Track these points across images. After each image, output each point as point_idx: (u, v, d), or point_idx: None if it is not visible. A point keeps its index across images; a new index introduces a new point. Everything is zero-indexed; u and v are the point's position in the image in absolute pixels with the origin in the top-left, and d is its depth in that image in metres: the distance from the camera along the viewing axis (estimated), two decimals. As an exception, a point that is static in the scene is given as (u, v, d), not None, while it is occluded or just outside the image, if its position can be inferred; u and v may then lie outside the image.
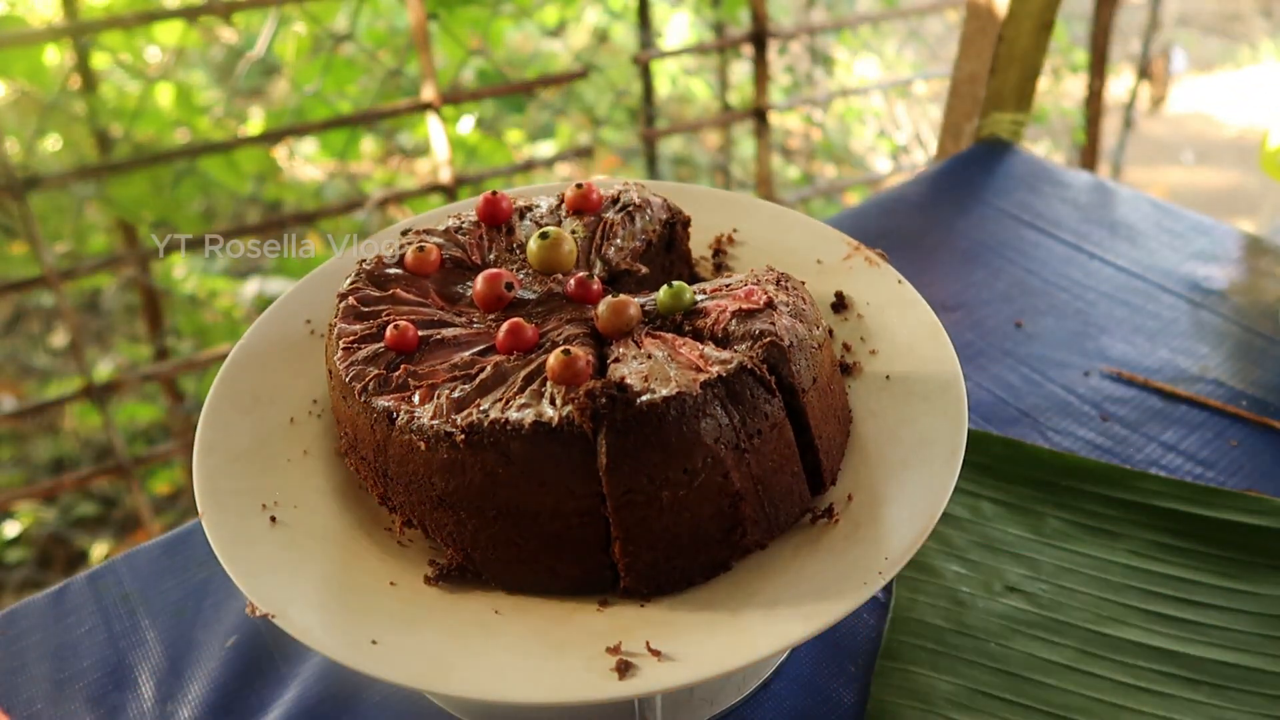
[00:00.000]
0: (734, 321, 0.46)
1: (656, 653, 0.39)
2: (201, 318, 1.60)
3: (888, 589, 0.55)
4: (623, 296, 0.47)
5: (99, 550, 1.51)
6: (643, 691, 0.37)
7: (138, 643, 0.55)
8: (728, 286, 0.49)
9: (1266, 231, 2.22)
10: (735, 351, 0.44)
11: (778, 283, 0.49)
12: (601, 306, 0.47)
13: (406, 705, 0.51)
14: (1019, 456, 0.63)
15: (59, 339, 1.91)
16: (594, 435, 0.41)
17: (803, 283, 0.51)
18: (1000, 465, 0.62)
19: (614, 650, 0.39)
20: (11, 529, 1.52)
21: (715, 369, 0.43)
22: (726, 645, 0.39)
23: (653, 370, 0.43)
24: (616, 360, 0.44)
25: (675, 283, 0.48)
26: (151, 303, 1.50)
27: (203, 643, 0.55)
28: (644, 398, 0.41)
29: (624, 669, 0.38)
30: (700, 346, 0.45)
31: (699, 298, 0.48)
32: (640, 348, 0.45)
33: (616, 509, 0.41)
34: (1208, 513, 0.59)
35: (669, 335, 0.46)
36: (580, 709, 0.40)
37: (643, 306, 0.48)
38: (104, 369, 1.75)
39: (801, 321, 0.47)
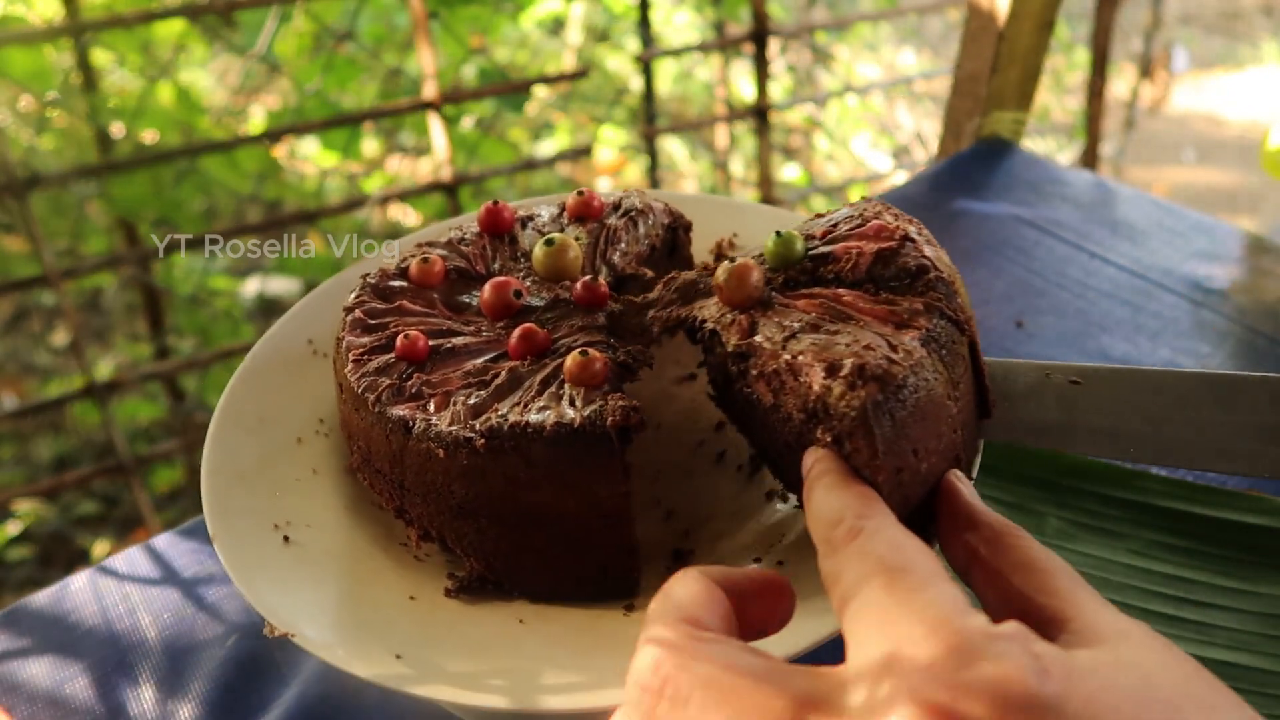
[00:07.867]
0: (878, 264, 0.41)
1: None
2: (202, 316, 1.60)
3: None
4: (741, 260, 0.41)
5: (100, 549, 1.51)
6: None
7: (138, 642, 0.55)
8: (834, 225, 0.44)
9: (1268, 230, 2.22)
10: (911, 300, 0.39)
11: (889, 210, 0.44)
12: (721, 274, 0.41)
13: (407, 705, 0.51)
14: (1019, 456, 0.63)
15: (60, 338, 1.92)
16: (862, 421, 0.34)
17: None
18: (1000, 465, 0.62)
19: None
20: (13, 527, 1.52)
21: (921, 323, 0.38)
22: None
23: (855, 339, 0.37)
24: (788, 338, 0.39)
25: (785, 230, 0.43)
26: (152, 301, 1.51)
27: (203, 642, 0.55)
28: (902, 374, 0.36)
29: None
30: (858, 300, 0.40)
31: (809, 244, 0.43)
32: (803, 313, 0.40)
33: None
34: (1208, 512, 0.59)
35: (807, 292, 0.41)
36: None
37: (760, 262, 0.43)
38: (105, 368, 1.76)
39: (937, 247, 0.43)
